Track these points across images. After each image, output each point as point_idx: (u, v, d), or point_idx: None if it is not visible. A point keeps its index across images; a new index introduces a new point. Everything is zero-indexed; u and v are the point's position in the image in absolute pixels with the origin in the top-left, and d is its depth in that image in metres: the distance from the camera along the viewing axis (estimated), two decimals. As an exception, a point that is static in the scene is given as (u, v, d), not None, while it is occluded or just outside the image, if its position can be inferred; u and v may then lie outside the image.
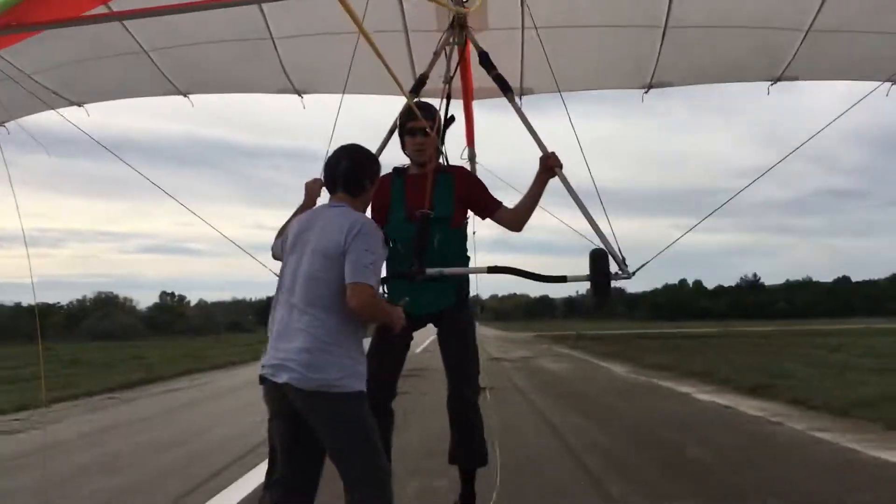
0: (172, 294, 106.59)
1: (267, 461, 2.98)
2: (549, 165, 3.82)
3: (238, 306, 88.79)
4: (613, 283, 3.79)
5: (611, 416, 9.36)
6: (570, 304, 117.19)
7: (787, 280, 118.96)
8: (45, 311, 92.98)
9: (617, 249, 3.84)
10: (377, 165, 3.26)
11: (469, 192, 3.86)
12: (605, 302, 3.86)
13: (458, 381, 3.78)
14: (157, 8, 2.30)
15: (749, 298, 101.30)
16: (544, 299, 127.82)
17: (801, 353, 18.92)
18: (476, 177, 4.20)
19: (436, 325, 3.89)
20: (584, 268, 3.86)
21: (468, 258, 3.94)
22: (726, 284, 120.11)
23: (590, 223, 3.90)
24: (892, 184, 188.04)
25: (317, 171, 3.38)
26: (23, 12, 2.52)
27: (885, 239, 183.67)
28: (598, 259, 3.76)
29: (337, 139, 3.51)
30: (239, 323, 73.16)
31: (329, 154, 3.15)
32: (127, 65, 4.82)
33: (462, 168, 4.16)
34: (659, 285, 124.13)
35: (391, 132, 4.04)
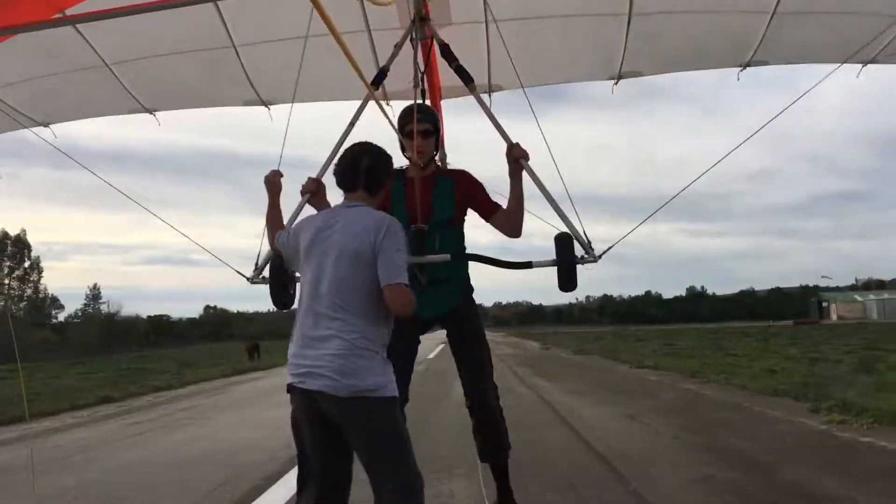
0: (214, 307, 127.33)
1: (297, 467, 2.87)
2: (515, 157, 3.64)
3: (265, 317, 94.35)
4: (580, 267, 3.60)
5: (504, 346, 34.80)
6: (558, 312, 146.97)
7: (714, 294, 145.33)
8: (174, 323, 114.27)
9: (582, 233, 3.69)
10: (393, 164, 3.10)
11: (469, 195, 3.78)
12: (571, 286, 3.60)
13: (480, 386, 3.76)
14: (112, 10, 2.28)
15: (686, 307, 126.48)
16: (539, 307, 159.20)
17: (616, 338, 43.08)
18: (476, 179, 3.86)
19: (444, 327, 3.84)
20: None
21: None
22: (678, 294, 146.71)
23: (553, 208, 3.75)
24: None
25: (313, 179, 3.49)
26: None
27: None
28: (563, 242, 3.58)
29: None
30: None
31: (343, 151, 3.04)
32: (90, 82, 4.82)
33: (463, 171, 3.91)
34: (625, 295, 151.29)
35: (348, 130, 3.97)
